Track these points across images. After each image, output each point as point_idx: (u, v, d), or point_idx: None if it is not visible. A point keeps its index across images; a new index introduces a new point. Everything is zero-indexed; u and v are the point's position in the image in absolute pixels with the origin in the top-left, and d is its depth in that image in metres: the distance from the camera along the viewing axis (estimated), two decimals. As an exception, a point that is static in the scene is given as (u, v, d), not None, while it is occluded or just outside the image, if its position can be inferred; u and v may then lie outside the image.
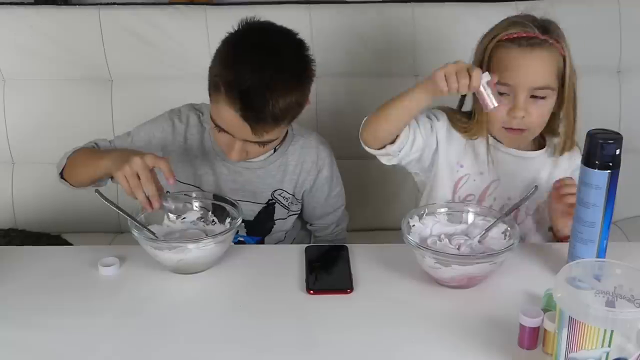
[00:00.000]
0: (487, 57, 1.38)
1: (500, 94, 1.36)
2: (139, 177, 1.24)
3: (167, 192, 1.34)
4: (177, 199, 1.36)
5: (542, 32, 1.36)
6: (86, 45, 1.93)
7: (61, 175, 1.46)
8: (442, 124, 1.46)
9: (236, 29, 1.37)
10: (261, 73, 1.29)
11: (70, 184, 1.46)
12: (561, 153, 1.47)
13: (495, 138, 1.46)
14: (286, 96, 1.32)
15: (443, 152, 1.47)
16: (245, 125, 1.32)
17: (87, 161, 1.40)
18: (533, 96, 1.36)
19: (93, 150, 1.45)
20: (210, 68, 1.37)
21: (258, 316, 1.15)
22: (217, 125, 1.37)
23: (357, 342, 1.08)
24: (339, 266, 1.28)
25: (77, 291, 1.22)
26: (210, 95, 1.37)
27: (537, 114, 1.38)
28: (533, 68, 1.35)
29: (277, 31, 1.37)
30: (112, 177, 1.41)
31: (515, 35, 1.36)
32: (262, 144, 1.38)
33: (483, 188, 1.47)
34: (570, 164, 1.47)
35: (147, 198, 1.26)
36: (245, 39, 1.36)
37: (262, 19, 1.38)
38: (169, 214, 1.34)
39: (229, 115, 1.32)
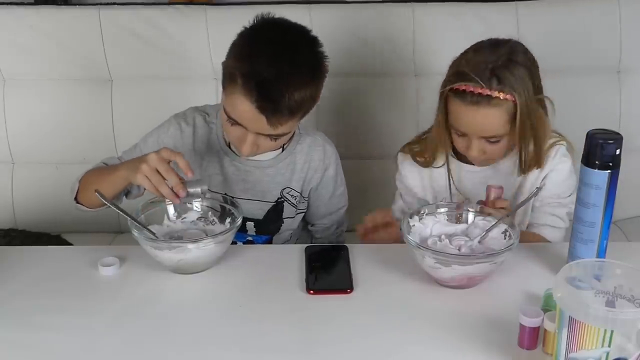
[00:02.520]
0: (442, 105, 1.41)
1: (459, 134, 1.41)
2: (159, 173, 1.25)
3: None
4: (199, 181, 1.33)
5: (493, 83, 1.32)
6: (86, 45, 1.93)
7: (76, 199, 1.46)
8: (408, 171, 1.56)
9: (252, 23, 1.37)
10: (278, 66, 1.30)
11: (87, 207, 1.46)
12: (521, 174, 1.47)
13: (459, 159, 1.51)
14: (301, 90, 1.33)
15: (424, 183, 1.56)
16: (260, 117, 1.32)
17: (101, 179, 1.39)
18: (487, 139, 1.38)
19: (104, 168, 1.45)
20: (225, 61, 1.38)
21: (258, 316, 1.15)
22: (230, 118, 1.37)
23: (357, 342, 1.08)
24: (339, 266, 1.28)
25: (77, 291, 1.22)
26: (224, 88, 1.37)
27: (492, 151, 1.42)
28: (479, 124, 1.36)
29: (293, 27, 1.39)
30: (125, 195, 1.43)
31: (463, 88, 1.34)
32: (274, 137, 1.38)
33: None
34: (540, 174, 1.46)
35: (172, 190, 1.26)
36: (261, 33, 1.36)
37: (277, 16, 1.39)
38: (173, 211, 1.34)
39: (245, 107, 1.32)
